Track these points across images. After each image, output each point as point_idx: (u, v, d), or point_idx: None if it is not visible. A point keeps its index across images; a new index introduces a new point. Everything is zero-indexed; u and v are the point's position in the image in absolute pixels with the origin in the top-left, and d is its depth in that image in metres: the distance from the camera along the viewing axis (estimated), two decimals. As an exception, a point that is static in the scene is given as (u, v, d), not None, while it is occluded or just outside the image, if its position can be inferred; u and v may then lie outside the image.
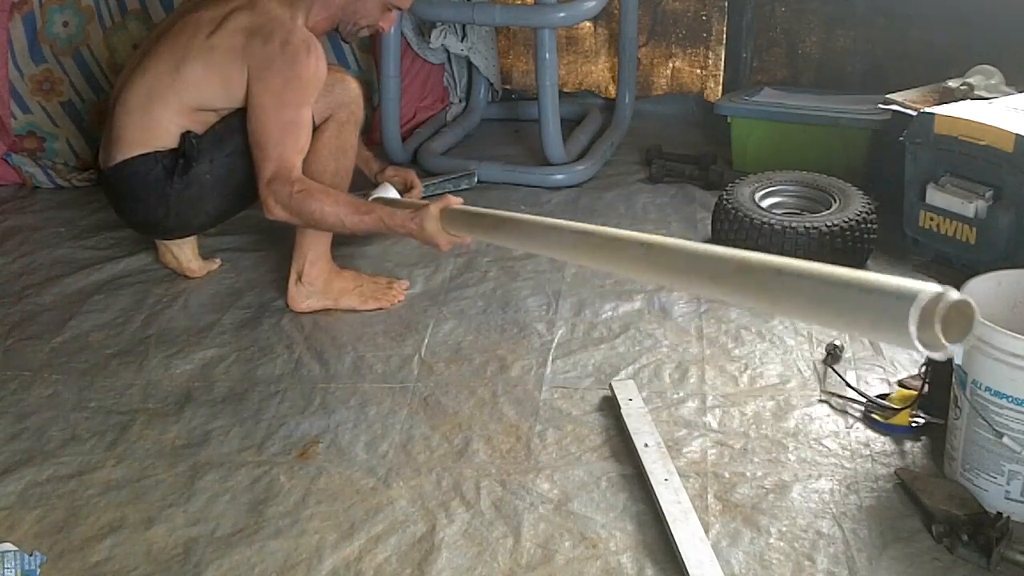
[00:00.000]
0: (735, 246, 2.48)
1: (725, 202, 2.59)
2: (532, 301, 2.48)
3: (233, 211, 2.56)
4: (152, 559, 1.67)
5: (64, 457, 1.93)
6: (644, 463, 1.83)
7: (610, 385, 2.09)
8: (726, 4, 3.57)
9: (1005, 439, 1.65)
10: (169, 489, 1.84)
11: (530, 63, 3.76)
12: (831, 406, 2.04)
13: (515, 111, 3.80)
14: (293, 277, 2.43)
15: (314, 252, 2.40)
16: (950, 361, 1.72)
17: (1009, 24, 2.90)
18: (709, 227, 2.72)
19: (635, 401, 2.02)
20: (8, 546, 1.67)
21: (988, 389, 1.65)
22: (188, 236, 2.57)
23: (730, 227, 2.53)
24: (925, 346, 1.13)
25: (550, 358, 2.23)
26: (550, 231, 1.75)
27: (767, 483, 1.82)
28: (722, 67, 3.63)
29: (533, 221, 1.80)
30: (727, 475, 1.84)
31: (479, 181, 3.18)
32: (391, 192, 2.74)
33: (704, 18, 3.63)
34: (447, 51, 3.55)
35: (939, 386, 1.87)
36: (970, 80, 2.68)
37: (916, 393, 1.95)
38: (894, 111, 2.70)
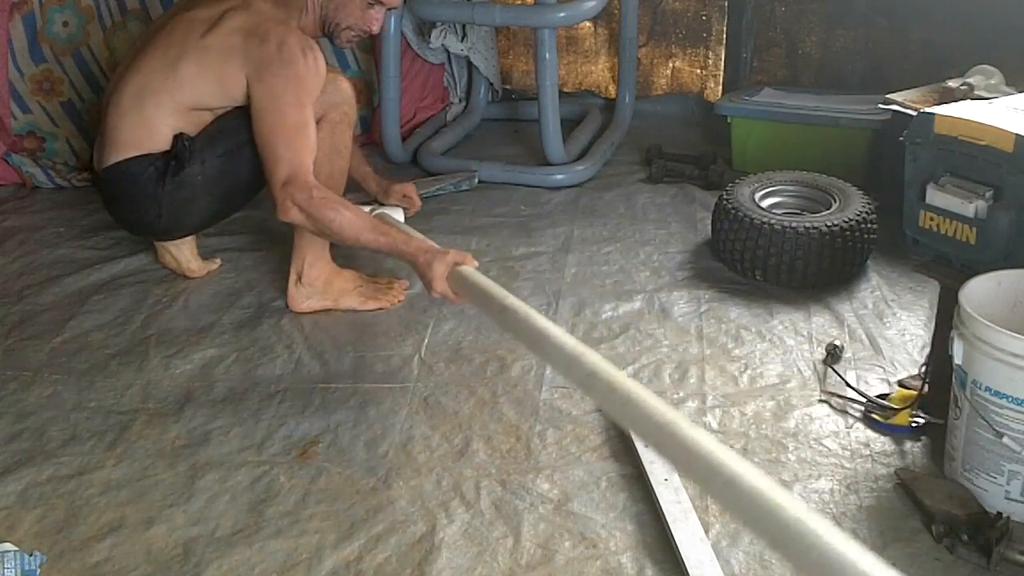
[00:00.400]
0: (735, 246, 2.51)
1: (725, 202, 2.59)
2: (532, 301, 2.47)
3: (226, 212, 2.56)
4: (152, 559, 1.67)
5: (64, 457, 1.93)
6: (644, 463, 1.83)
7: (610, 385, 2.08)
8: (726, 4, 3.57)
9: (1005, 439, 1.65)
10: (169, 489, 1.84)
11: (530, 63, 3.76)
12: (831, 406, 2.04)
13: (515, 111, 3.80)
14: (293, 278, 2.42)
15: (313, 253, 2.40)
16: (950, 361, 1.72)
17: (1009, 24, 2.89)
18: (709, 227, 2.72)
19: (635, 401, 2.01)
20: (8, 546, 1.67)
21: (988, 389, 1.65)
22: (182, 237, 2.57)
23: (730, 227, 2.53)
24: None
25: (550, 358, 2.23)
26: (545, 342, 1.62)
27: (767, 483, 1.81)
28: (722, 67, 3.64)
29: (531, 324, 1.67)
30: (727, 475, 1.84)
31: (480, 181, 3.18)
32: (399, 215, 2.74)
33: (704, 18, 3.64)
34: (447, 51, 3.55)
35: (939, 386, 1.87)
36: (970, 80, 2.68)
37: (916, 393, 1.95)
38: (894, 111, 2.70)
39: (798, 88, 3.41)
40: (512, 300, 1.77)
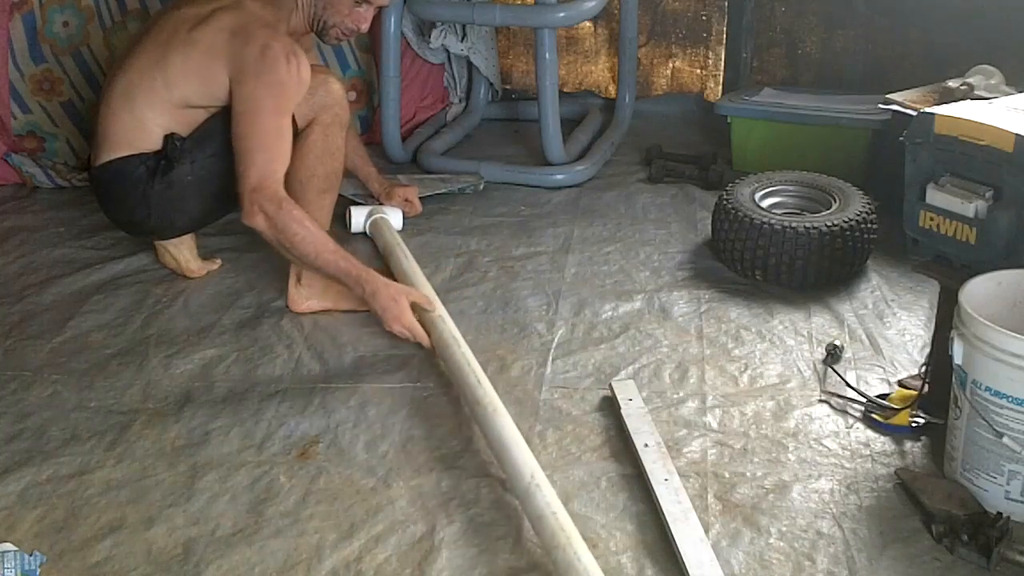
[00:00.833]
0: (735, 246, 2.51)
1: (725, 202, 2.59)
2: (532, 301, 2.48)
3: (216, 213, 2.55)
4: (152, 559, 1.67)
5: (64, 457, 1.93)
6: (644, 463, 1.83)
7: (610, 385, 2.09)
8: (726, 4, 3.57)
9: (1005, 439, 1.65)
10: (169, 489, 1.84)
11: (530, 63, 3.76)
12: (831, 406, 2.04)
13: (515, 111, 3.80)
14: (293, 279, 2.42)
15: (314, 254, 2.40)
16: (950, 361, 1.72)
17: (1009, 24, 2.89)
18: (709, 227, 2.72)
19: (635, 401, 2.02)
20: (8, 546, 1.67)
21: (988, 389, 1.65)
22: (173, 237, 2.56)
23: (730, 227, 2.53)
24: None
25: (550, 358, 2.23)
26: (456, 374, 2.02)
27: (767, 483, 1.82)
28: (722, 67, 3.64)
29: (455, 363, 2.04)
30: (727, 475, 1.84)
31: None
32: (397, 217, 2.73)
33: (704, 18, 3.63)
34: (447, 51, 3.55)
35: (939, 386, 1.87)
36: (970, 80, 2.68)
37: (916, 393, 1.95)
38: (894, 111, 2.70)
39: (798, 88, 3.41)
40: (451, 337, 2.11)
